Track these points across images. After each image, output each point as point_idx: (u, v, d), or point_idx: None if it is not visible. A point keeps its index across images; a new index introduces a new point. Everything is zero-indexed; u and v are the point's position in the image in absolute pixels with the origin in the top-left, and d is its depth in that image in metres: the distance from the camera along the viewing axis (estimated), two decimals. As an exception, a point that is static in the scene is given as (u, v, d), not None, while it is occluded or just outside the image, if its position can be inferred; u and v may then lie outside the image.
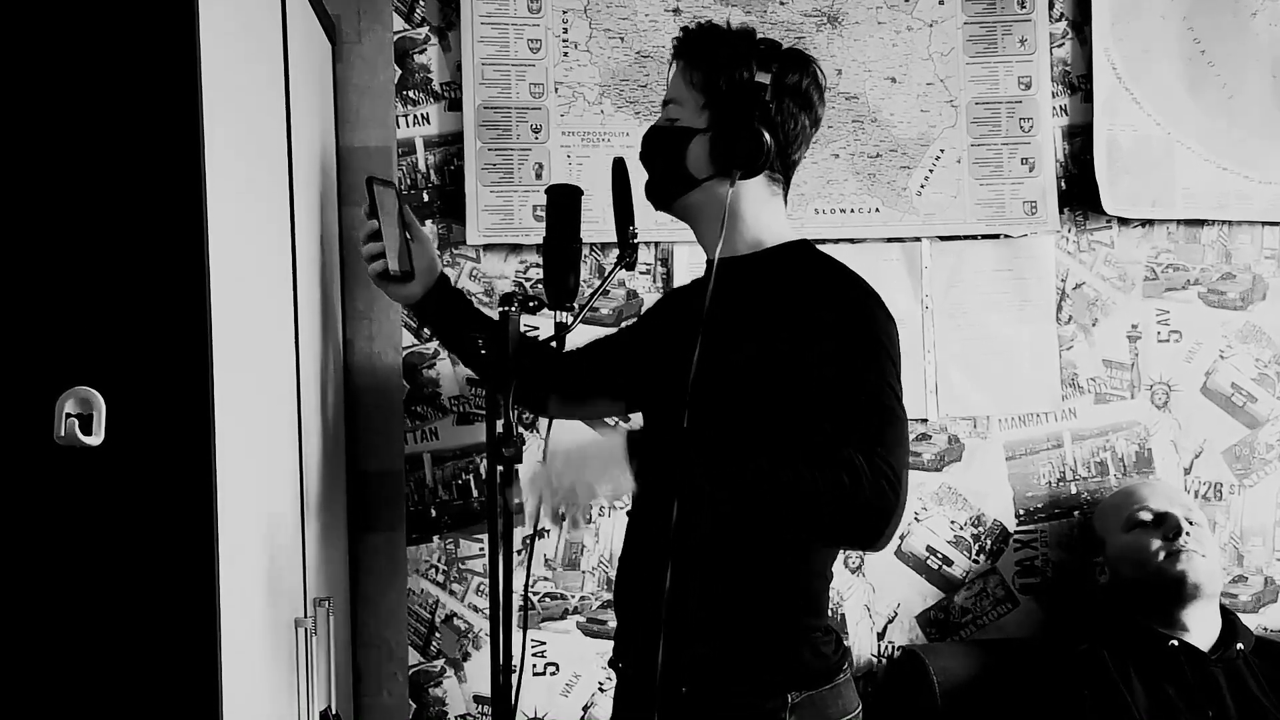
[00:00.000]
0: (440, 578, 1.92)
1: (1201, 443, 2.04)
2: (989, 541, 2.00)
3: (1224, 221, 2.05)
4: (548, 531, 1.93)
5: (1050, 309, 2.01)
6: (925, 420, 1.98)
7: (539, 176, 1.93)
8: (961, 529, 1.99)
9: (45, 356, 1.05)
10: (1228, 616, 1.85)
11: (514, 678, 1.35)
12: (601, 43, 1.95)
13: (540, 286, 1.81)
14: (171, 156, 1.06)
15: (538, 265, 1.91)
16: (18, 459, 1.05)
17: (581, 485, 1.27)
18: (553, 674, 1.92)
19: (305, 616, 1.45)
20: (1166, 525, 1.82)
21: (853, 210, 1.98)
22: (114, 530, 1.06)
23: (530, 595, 1.91)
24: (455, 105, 1.93)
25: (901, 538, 1.98)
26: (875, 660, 1.97)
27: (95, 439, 1.03)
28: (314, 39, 1.72)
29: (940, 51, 2.00)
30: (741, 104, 1.36)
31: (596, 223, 1.79)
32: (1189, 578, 1.77)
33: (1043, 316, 2.00)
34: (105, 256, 1.06)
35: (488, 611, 1.83)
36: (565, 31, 1.94)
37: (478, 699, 1.91)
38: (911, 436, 1.98)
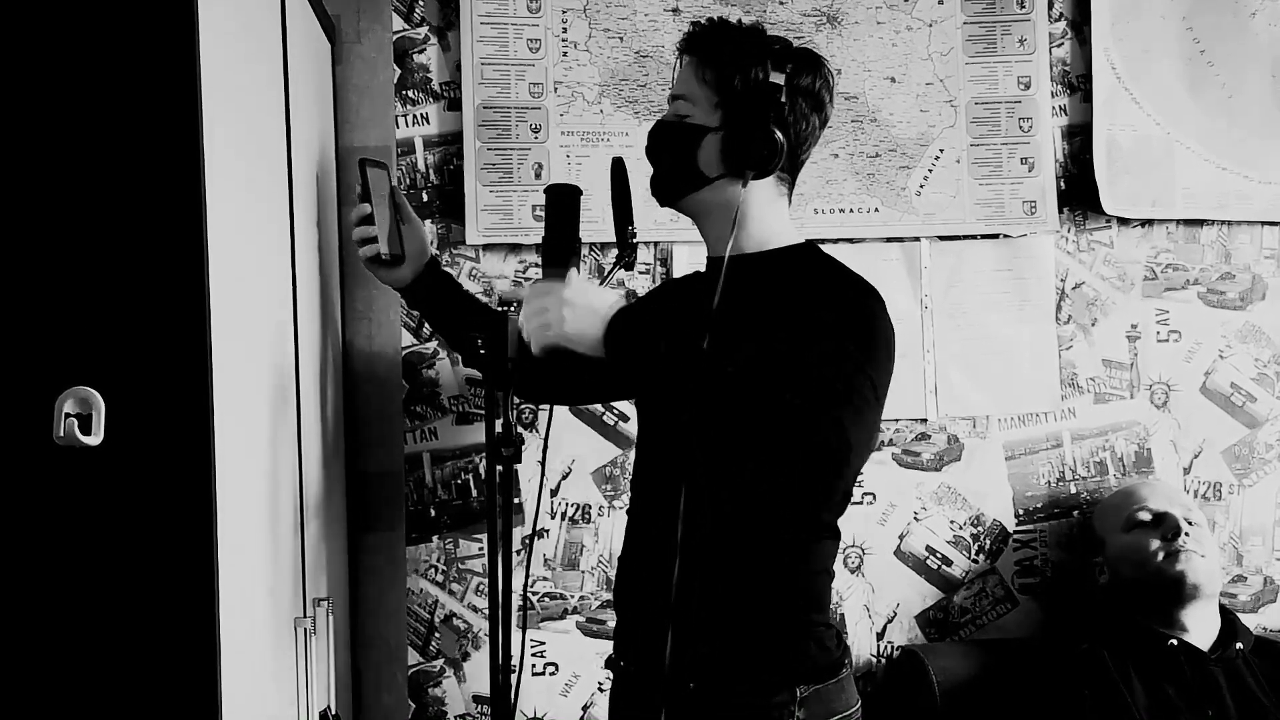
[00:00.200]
0: (440, 578, 1.92)
1: (1201, 442, 2.04)
2: (988, 541, 2.00)
3: (1223, 221, 2.05)
4: (547, 532, 1.93)
5: (1050, 309, 2.01)
6: (925, 420, 1.98)
7: (538, 176, 1.93)
8: (961, 529, 1.99)
9: (45, 356, 1.05)
10: (1227, 616, 1.85)
11: (513, 678, 1.36)
12: (601, 42, 1.95)
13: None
14: (171, 156, 1.06)
15: (537, 265, 1.91)
16: (17, 459, 1.05)
17: (555, 316, 1.29)
18: (552, 674, 1.92)
19: (305, 616, 1.45)
20: (1166, 526, 1.82)
21: (852, 210, 1.98)
22: (113, 530, 1.06)
23: (530, 595, 1.91)
24: (455, 105, 1.93)
25: (901, 537, 1.98)
26: (875, 660, 1.97)
27: (95, 439, 1.03)
28: (313, 39, 1.72)
29: (940, 51, 2.00)
30: (757, 104, 1.36)
31: (596, 223, 1.79)
32: (1188, 578, 1.78)
33: (1042, 316, 2.00)
34: (105, 256, 1.06)
35: (487, 611, 1.83)
36: (564, 31, 1.95)
37: (477, 699, 1.91)
38: (911, 436, 1.98)
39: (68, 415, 1.03)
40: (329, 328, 1.74)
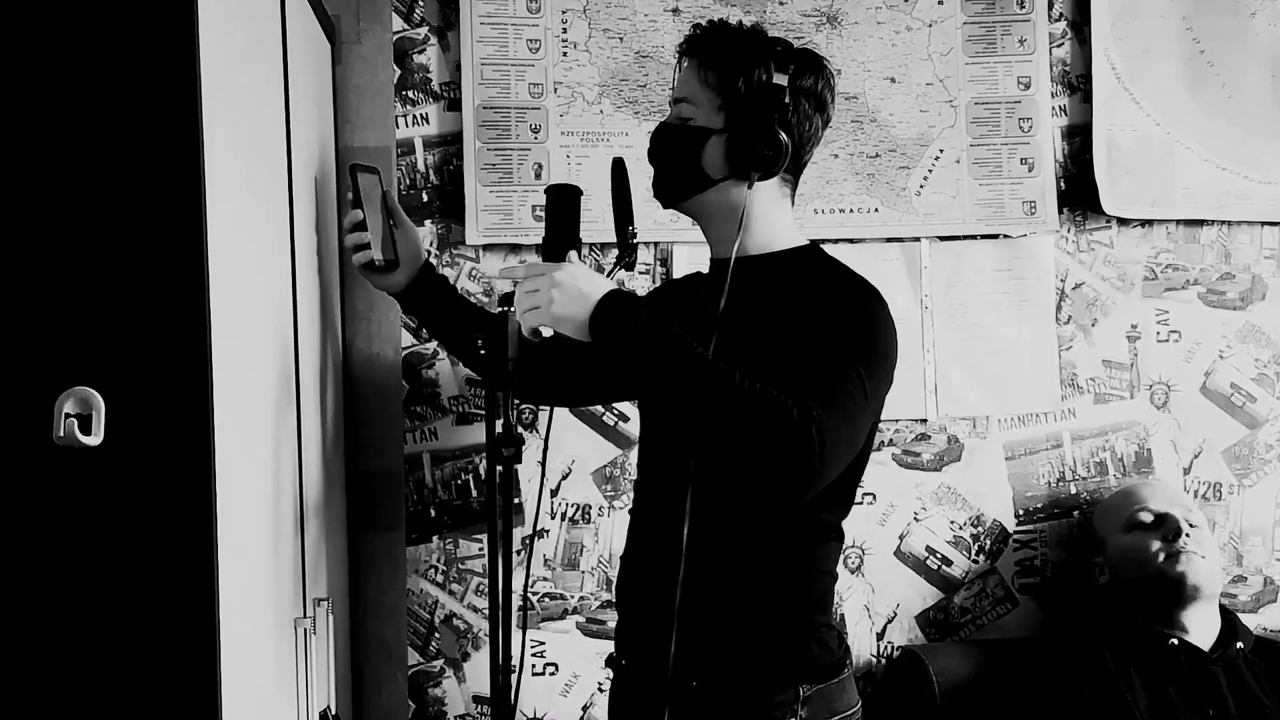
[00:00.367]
0: (440, 578, 1.92)
1: (1201, 443, 2.04)
2: (988, 541, 2.00)
3: (1223, 221, 2.05)
4: (547, 532, 1.93)
5: (1049, 309, 2.01)
6: (925, 420, 1.98)
7: (538, 176, 1.93)
8: (961, 529, 1.99)
9: (45, 356, 1.05)
10: (1227, 616, 1.85)
11: (513, 678, 1.36)
12: (601, 43, 1.95)
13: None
14: (171, 157, 1.06)
15: (537, 265, 1.91)
16: (17, 459, 1.05)
17: (544, 297, 1.29)
18: (552, 674, 1.92)
19: (305, 616, 1.45)
20: (1166, 527, 1.82)
21: (852, 210, 1.98)
22: (113, 530, 1.06)
23: (529, 595, 1.91)
24: (454, 105, 1.93)
25: (901, 537, 1.98)
26: (875, 660, 1.97)
27: (94, 439, 1.03)
28: (313, 39, 1.72)
29: (939, 51, 2.00)
30: (761, 106, 1.36)
31: (596, 223, 1.79)
32: (1189, 579, 1.78)
33: (1042, 316, 2.01)
34: (105, 257, 1.06)
35: (487, 611, 1.83)
36: (564, 31, 1.95)
37: (477, 699, 1.91)
38: (911, 436, 1.98)
39: (68, 415, 1.03)
40: (329, 328, 1.74)
